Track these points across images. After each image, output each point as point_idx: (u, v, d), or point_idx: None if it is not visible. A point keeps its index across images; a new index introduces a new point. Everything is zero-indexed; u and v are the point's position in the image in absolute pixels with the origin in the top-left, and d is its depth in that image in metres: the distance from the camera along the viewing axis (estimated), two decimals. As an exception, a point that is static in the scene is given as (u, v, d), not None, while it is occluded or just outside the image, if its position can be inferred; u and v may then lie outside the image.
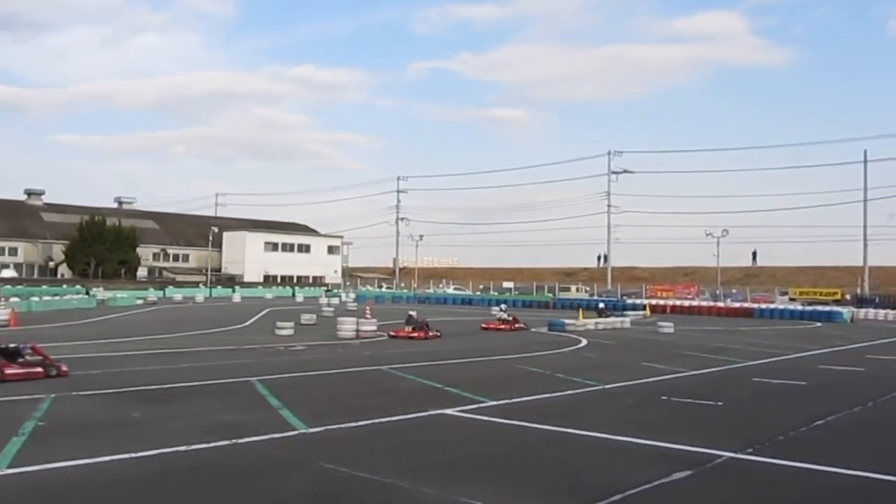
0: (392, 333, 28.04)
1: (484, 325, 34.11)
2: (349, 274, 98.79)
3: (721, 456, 9.38)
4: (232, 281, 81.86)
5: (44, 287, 62.97)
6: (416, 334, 27.70)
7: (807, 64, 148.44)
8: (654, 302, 58.21)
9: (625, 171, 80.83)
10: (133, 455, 8.72)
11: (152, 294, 61.71)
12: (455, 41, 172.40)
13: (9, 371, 14.62)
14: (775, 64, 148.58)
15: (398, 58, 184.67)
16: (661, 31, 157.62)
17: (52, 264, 78.77)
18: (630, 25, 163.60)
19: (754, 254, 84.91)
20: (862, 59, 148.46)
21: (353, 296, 67.53)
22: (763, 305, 55.80)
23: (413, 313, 30.46)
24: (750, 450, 9.75)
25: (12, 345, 15.64)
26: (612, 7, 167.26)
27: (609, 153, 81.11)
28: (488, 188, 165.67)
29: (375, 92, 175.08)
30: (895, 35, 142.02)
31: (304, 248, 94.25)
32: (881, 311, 53.57)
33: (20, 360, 15.17)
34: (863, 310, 53.59)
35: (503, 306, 35.92)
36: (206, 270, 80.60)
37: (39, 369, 15.11)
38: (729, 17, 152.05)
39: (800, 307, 54.18)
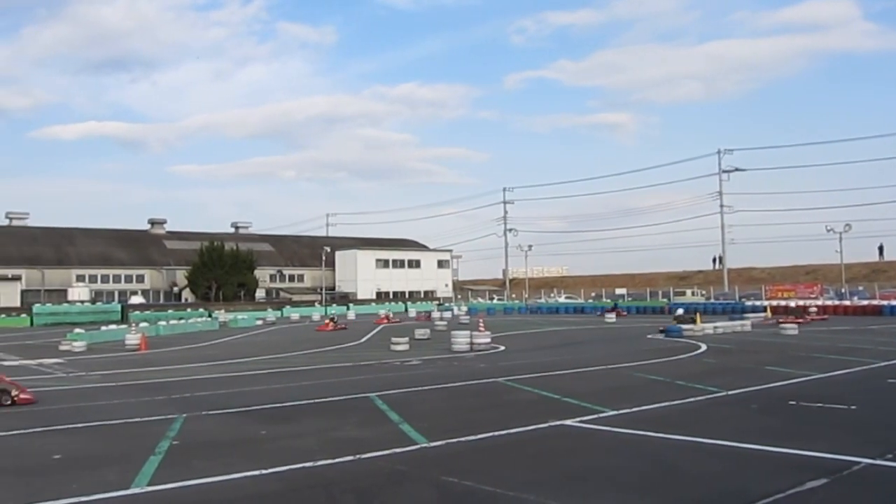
0: None
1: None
2: (460, 287, 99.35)
3: (859, 462, 8.94)
4: (346, 299, 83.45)
5: (169, 311, 65.86)
6: None
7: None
8: (774, 303, 56.26)
9: (736, 170, 78.31)
10: (263, 472, 9.00)
11: (271, 314, 63.76)
12: (552, 49, 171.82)
13: None
14: (891, 48, 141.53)
15: (497, 70, 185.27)
16: (763, 24, 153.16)
17: (175, 289, 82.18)
18: (730, 21, 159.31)
19: (881, 248, 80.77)
20: None
21: (464, 309, 67.89)
22: (894, 302, 53.07)
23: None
24: (890, 455, 9.28)
25: None
26: (711, 4, 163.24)
27: (719, 152, 78.82)
28: (595, 195, 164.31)
29: (476, 105, 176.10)
30: None
31: (415, 264, 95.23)
32: None
33: None
34: None
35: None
36: (321, 289, 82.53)
37: None
38: (838, 2, 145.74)
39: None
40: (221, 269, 78.37)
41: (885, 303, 53.11)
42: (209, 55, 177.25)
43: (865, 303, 54.85)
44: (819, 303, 55.99)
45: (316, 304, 76.67)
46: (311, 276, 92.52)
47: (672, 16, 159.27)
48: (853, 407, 13.46)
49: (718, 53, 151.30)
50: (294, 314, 66.86)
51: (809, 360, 21.81)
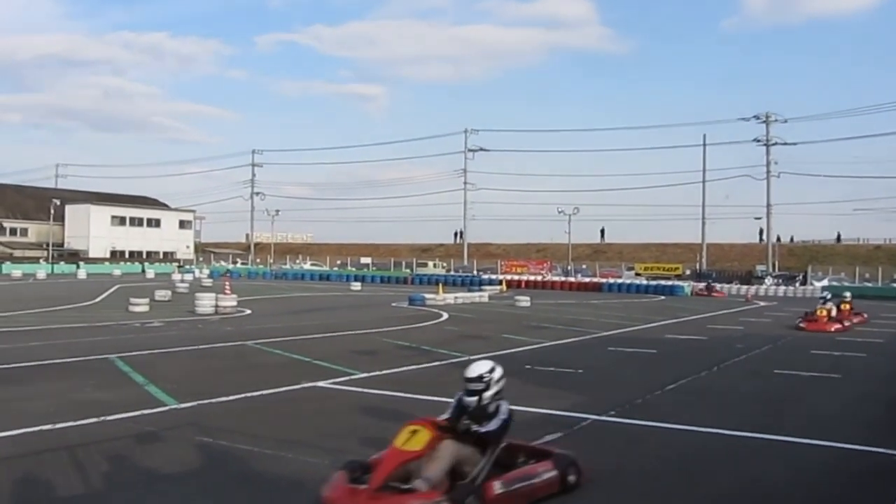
0: None
1: None
2: (202, 249, 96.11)
3: (587, 418, 9.93)
4: (76, 257, 77.99)
5: None
6: None
7: (652, 54, 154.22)
8: (508, 277, 59.86)
9: (480, 150, 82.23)
10: (-4, 435, 8.35)
11: (-13, 270, 58.18)
12: (308, 15, 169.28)
13: None
14: (623, 52, 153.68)
15: (250, 29, 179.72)
16: (511, 14, 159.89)
17: None
18: (482, 7, 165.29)
19: (602, 231, 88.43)
20: (700, 52, 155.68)
21: (206, 272, 65.92)
22: (611, 280, 58.37)
23: None
24: (612, 412, 10.38)
25: None
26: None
27: (466, 131, 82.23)
28: (345, 164, 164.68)
29: (227, 64, 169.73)
30: (726, 33, 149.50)
31: (154, 223, 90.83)
32: (717, 286, 57.11)
33: None
34: (701, 284, 56.95)
35: None
36: (48, 245, 76.49)
37: None
38: (577, 3, 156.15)
39: (644, 282, 56.98)
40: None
41: (604, 280, 58.28)
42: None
43: (588, 280, 59.84)
44: (548, 278, 60.48)
45: (41, 261, 71.01)
46: (36, 231, 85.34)
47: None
48: (580, 371, 14.79)
49: (469, 37, 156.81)
50: (16, 271, 61.51)
51: (541, 329, 23.48)
